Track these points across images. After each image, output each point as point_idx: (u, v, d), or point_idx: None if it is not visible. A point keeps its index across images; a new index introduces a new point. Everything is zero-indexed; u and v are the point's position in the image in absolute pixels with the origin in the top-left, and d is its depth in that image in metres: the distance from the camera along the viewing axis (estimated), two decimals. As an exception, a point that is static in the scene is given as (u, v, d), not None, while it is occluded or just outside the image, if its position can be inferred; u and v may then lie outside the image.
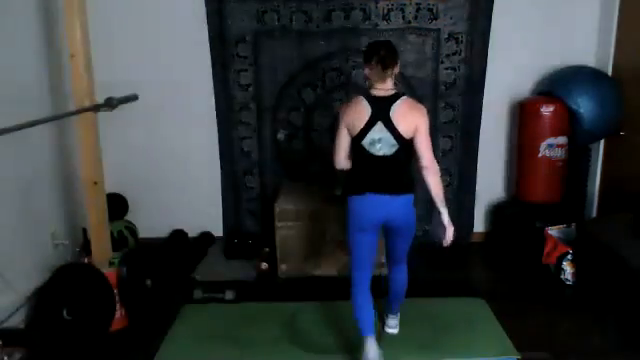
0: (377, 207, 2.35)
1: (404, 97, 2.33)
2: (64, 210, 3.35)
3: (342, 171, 2.50)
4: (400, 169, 2.37)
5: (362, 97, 2.34)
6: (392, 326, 2.71)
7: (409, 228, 2.43)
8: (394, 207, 2.35)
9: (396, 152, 2.30)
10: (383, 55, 2.30)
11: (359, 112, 2.30)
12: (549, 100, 3.38)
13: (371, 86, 2.35)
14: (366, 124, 2.29)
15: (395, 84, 2.37)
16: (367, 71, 2.35)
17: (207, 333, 2.76)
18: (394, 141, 2.29)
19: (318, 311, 2.95)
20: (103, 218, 2.92)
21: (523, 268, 3.38)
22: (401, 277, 2.58)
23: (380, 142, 2.30)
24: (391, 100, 2.30)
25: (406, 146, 2.31)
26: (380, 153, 2.31)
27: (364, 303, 2.44)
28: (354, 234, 2.41)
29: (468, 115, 3.68)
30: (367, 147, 2.31)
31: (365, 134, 2.29)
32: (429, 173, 2.32)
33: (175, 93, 3.64)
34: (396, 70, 2.36)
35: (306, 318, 2.86)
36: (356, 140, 2.33)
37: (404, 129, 2.28)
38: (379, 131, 2.28)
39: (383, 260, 2.75)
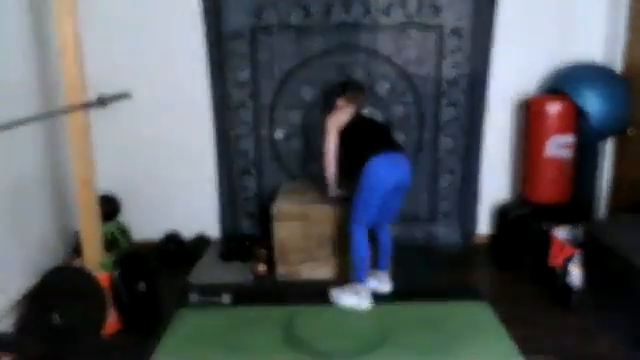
0: (395, 166, 2.82)
1: None
2: (56, 211, 3.30)
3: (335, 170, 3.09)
4: (391, 132, 3.19)
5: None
6: (387, 281, 3.10)
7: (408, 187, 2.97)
8: (405, 167, 2.87)
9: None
10: (358, 88, 3.23)
11: (345, 113, 3.05)
12: (555, 98, 3.31)
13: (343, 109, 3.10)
14: (355, 111, 3.09)
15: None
16: (341, 102, 3.10)
17: (203, 337, 2.71)
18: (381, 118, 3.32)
19: (318, 314, 2.89)
20: (95, 219, 2.86)
21: (528, 271, 3.32)
22: (388, 237, 3.10)
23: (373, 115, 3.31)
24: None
25: None
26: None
27: (366, 251, 2.92)
28: (372, 199, 2.81)
29: (471, 113, 3.61)
30: (366, 115, 3.18)
31: (360, 111, 3.15)
32: None
33: (170, 91, 3.57)
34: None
35: (305, 322, 2.81)
36: (353, 119, 3.02)
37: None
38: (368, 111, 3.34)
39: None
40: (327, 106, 3.27)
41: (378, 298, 3.02)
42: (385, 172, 2.78)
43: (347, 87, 3.19)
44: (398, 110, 3.60)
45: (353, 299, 2.95)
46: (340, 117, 3.03)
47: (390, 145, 2.92)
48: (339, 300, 2.98)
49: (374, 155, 2.78)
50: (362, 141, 2.93)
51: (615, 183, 3.57)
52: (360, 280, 2.95)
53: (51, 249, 3.21)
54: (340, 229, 3.16)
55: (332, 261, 3.29)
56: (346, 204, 3.07)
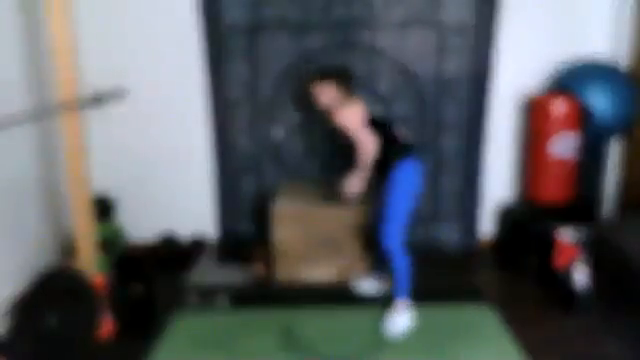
0: (420, 170, 2.78)
1: None
2: (50, 212, 3.26)
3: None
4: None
5: None
6: (381, 283, 3.05)
7: None
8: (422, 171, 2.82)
9: None
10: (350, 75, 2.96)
11: (355, 107, 2.82)
12: (560, 96, 3.26)
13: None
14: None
15: None
16: (341, 93, 2.81)
17: (201, 340, 2.67)
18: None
19: (318, 317, 2.85)
20: (89, 221, 2.80)
21: (532, 272, 3.27)
22: None
23: None
24: None
25: None
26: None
27: (408, 267, 2.73)
28: (409, 201, 2.72)
29: (474, 112, 3.56)
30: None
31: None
32: None
33: (166, 88, 3.51)
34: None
35: (305, 325, 2.77)
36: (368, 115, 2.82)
37: None
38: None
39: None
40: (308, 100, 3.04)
41: (379, 300, 2.97)
42: (417, 173, 2.74)
43: (342, 77, 2.85)
44: (399, 109, 3.54)
45: (406, 320, 2.74)
46: (357, 112, 2.74)
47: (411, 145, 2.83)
48: (395, 329, 2.69)
49: (407, 156, 2.70)
50: (389, 141, 2.73)
51: (624, 183, 3.53)
52: (407, 296, 2.77)
53: (45, 250, 3.16)
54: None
55: (333, 263, 3.23)
56: (349, 203, 3.04)
